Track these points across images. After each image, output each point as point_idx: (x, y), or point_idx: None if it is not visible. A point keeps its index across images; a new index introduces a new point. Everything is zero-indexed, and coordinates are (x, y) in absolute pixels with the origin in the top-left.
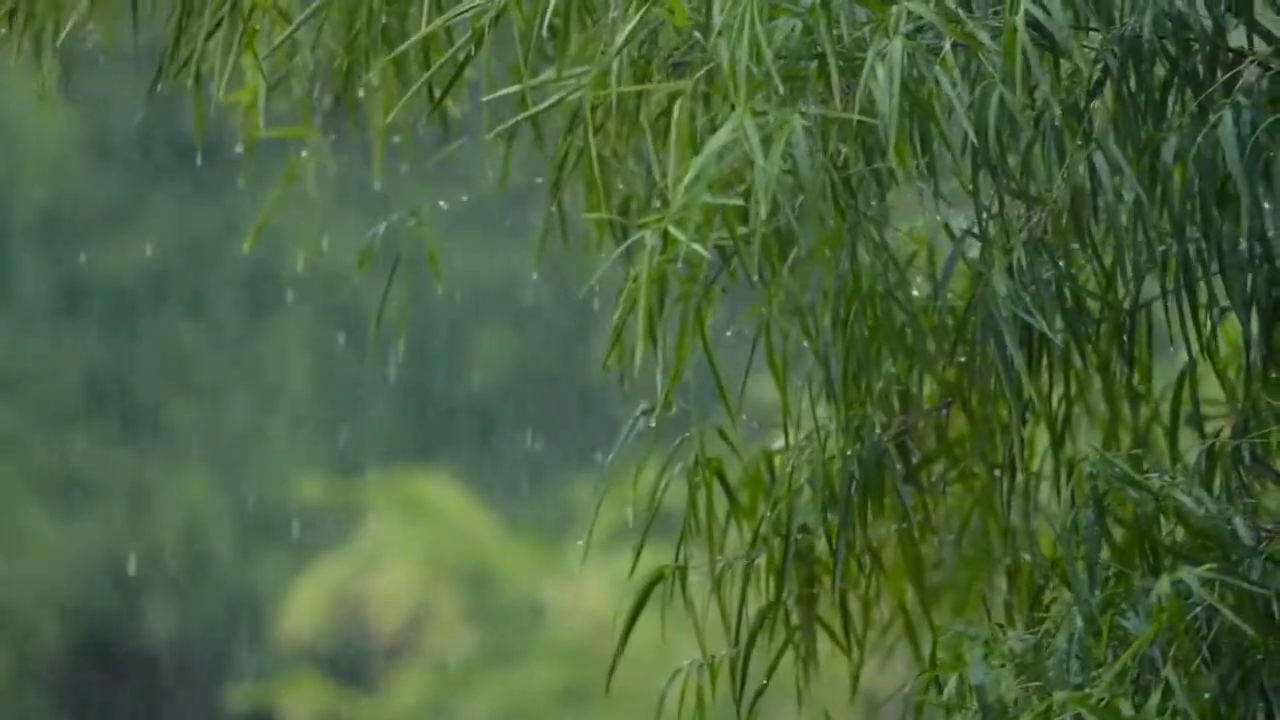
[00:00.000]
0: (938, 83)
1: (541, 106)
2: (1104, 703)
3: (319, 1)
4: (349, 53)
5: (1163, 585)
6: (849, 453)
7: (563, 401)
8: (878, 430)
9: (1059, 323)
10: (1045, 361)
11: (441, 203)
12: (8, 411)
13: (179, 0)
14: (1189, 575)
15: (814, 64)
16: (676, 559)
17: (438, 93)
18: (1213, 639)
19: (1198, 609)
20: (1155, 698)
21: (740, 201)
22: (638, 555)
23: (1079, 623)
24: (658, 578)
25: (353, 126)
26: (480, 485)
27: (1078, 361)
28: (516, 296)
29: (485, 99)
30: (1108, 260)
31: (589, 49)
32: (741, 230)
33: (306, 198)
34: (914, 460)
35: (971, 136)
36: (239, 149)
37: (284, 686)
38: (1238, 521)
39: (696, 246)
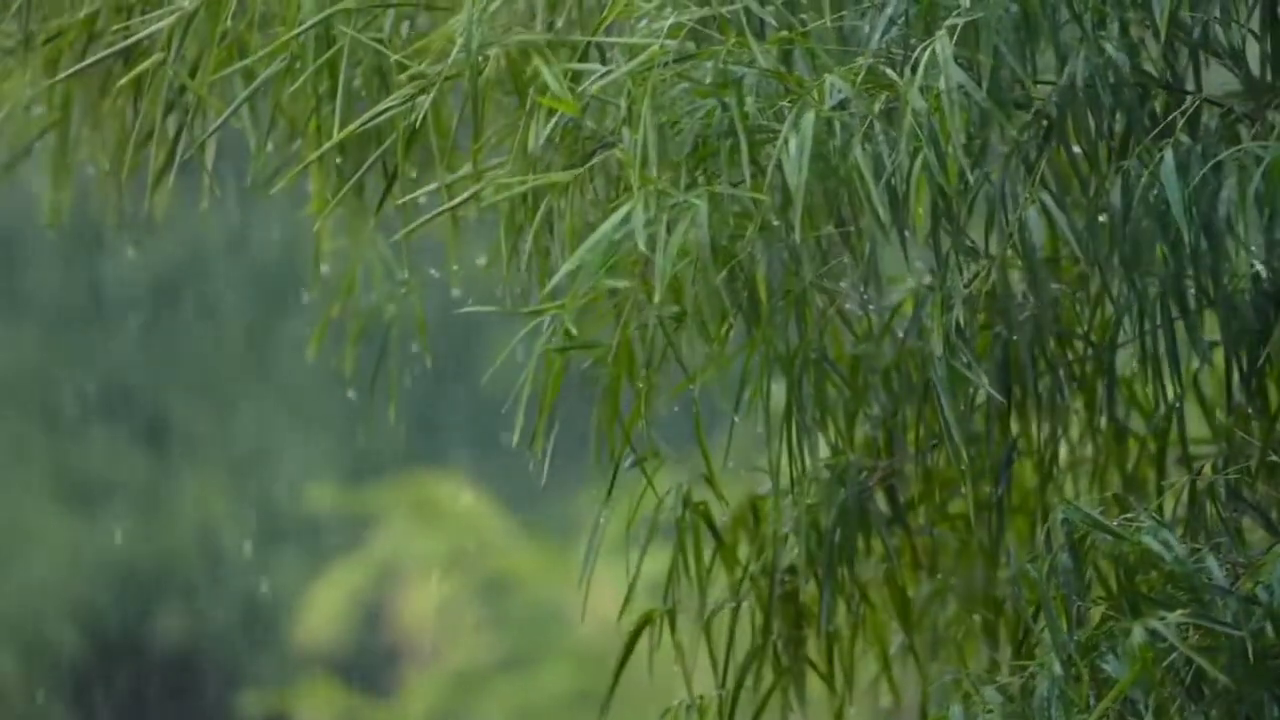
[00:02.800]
0: (863, 149)
1: (454, 203)
2: None
3: (246, 92)
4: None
5: (1136, 635)
6: (811, 501)
7: (576, 404)
8: (862, 474)
9: (1041, 365)
10: (1029, 401)
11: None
12: (21, 415)
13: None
14: (1162, 624)
15: (729, 141)
16: (665, 600)
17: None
18: (1193, 678)
19: (1176, 652)
20: None
21: (626, 284)
22: (627, 599)
23: (1058, 669)
24: (645, 621)
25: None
26: (494, 489)
27: (1063, 403)
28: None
29: (400, 201)
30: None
31: (510, 138)
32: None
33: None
34: (901, 503)
35: (878, 207)
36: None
37: (298, 691)
38: (1210, 562)
39: (572, 327)
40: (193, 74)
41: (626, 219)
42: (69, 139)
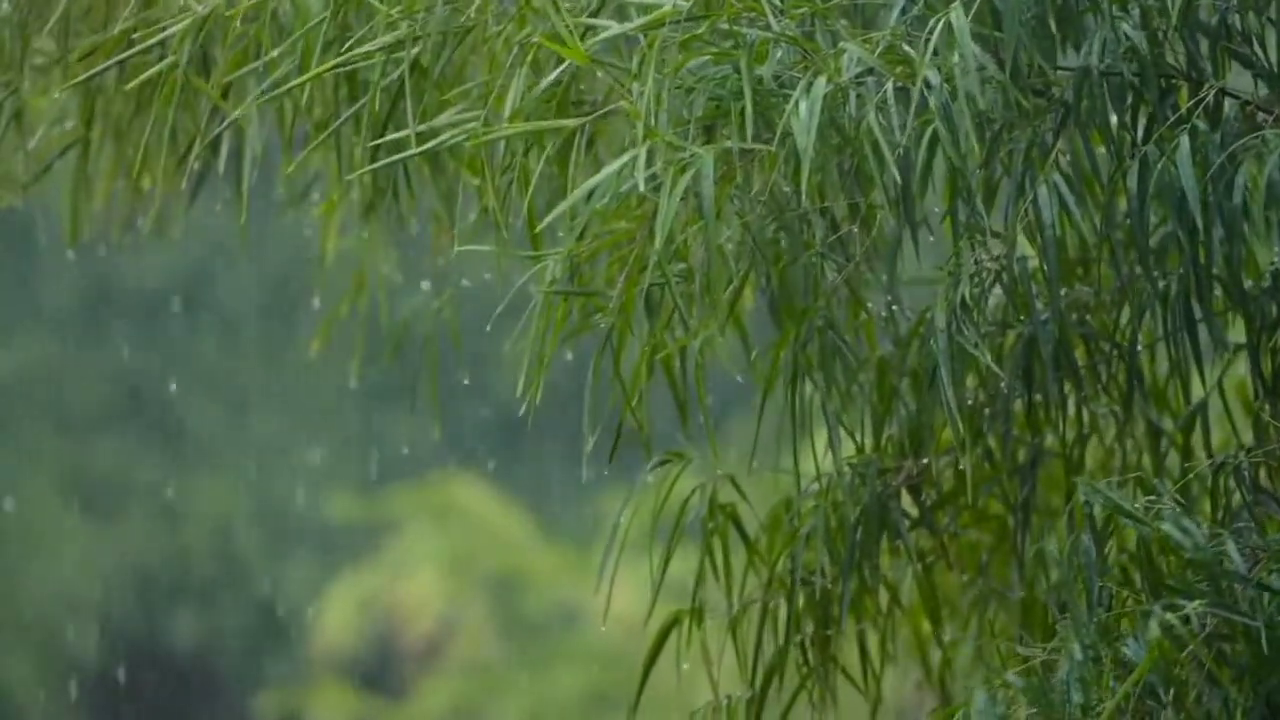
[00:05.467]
0: (878, 120)
1: (425, 147)
2: None
3: (257, 93)
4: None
5: (1153, 628)
6: (835, 499)
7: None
8: (887, 473)
9: (1061, 357)
10: (1059, 396)
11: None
12: (37, 419)
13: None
14: (1178, 615)
15: (739, 103)
16: (693, 602)
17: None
18: (1212, 665)
19: (1198, 639)
20: None
21: (627, 226)
22: (653, 603)
23: (1078, 653)
24: (672, 623)
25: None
26: (512, 490)
27: (1086, 397)
28: None
29: (371, 144)
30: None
31: (492, 84)
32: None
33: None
34: (928, 502)
35: (894, 175)
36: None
37: (313, 693)
38: (1230, 547)
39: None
40: (216, 78)
41: (630, 165)
42: (89, 155)
